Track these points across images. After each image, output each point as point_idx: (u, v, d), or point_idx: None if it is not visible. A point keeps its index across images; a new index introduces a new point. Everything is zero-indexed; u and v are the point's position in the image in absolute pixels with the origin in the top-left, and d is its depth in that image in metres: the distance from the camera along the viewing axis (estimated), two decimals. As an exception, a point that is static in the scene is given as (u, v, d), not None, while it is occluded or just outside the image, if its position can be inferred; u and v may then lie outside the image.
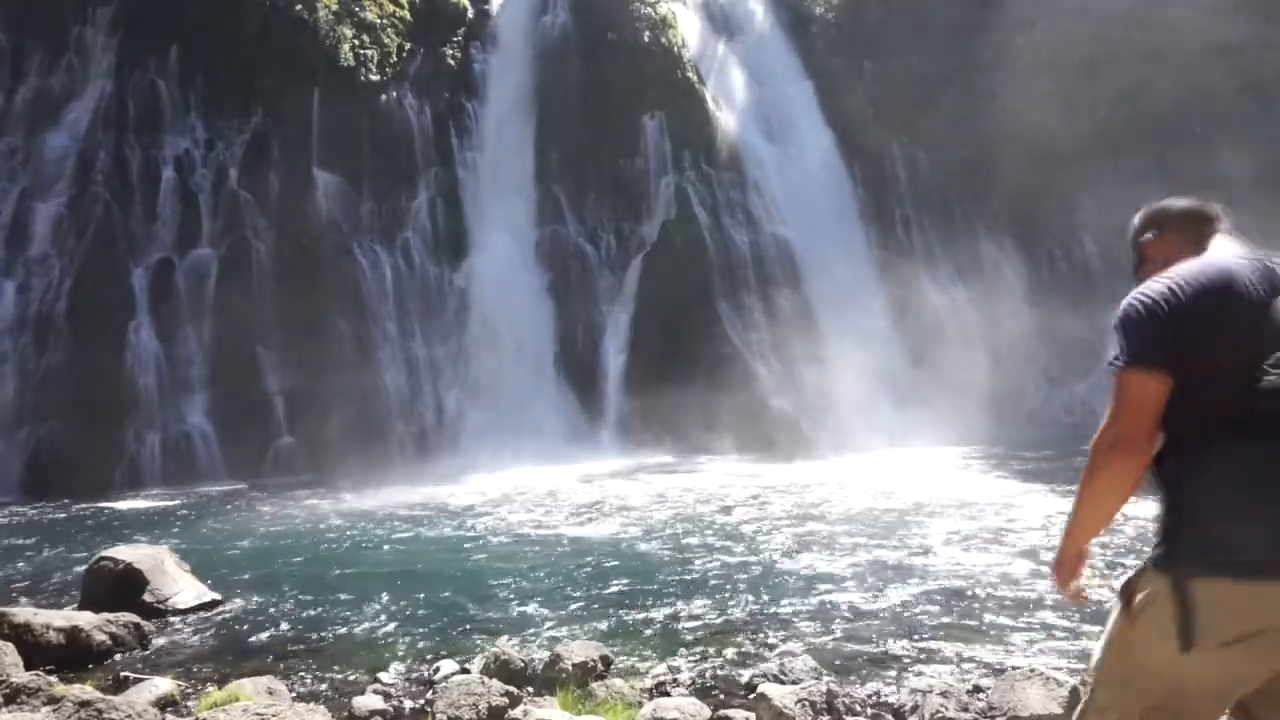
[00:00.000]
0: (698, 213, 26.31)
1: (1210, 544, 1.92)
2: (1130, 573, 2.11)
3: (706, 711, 5.34)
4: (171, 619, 8.19)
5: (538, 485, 17.29)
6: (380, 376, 22.81)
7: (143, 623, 7.66)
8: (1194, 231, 2.33)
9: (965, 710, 5.27)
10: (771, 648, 6.96)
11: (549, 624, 7.88)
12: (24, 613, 7.25)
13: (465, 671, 6.36)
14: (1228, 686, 1.99)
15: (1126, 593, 2.09)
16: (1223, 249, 2.25)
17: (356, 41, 25.65)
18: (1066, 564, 2.29)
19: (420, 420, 23.09)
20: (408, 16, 26.82)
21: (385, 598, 8.92)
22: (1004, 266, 27.55)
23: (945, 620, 7.43)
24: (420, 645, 7.37)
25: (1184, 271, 2.13)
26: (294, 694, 6.13)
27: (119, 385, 20.68)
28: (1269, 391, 1.89)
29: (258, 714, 4.96)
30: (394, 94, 25.95)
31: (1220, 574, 1.90)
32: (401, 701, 6.00)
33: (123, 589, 8.29)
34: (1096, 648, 2.22)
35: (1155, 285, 2.14)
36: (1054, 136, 27.79)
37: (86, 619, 7.33)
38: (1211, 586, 1.90)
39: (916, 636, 6.95)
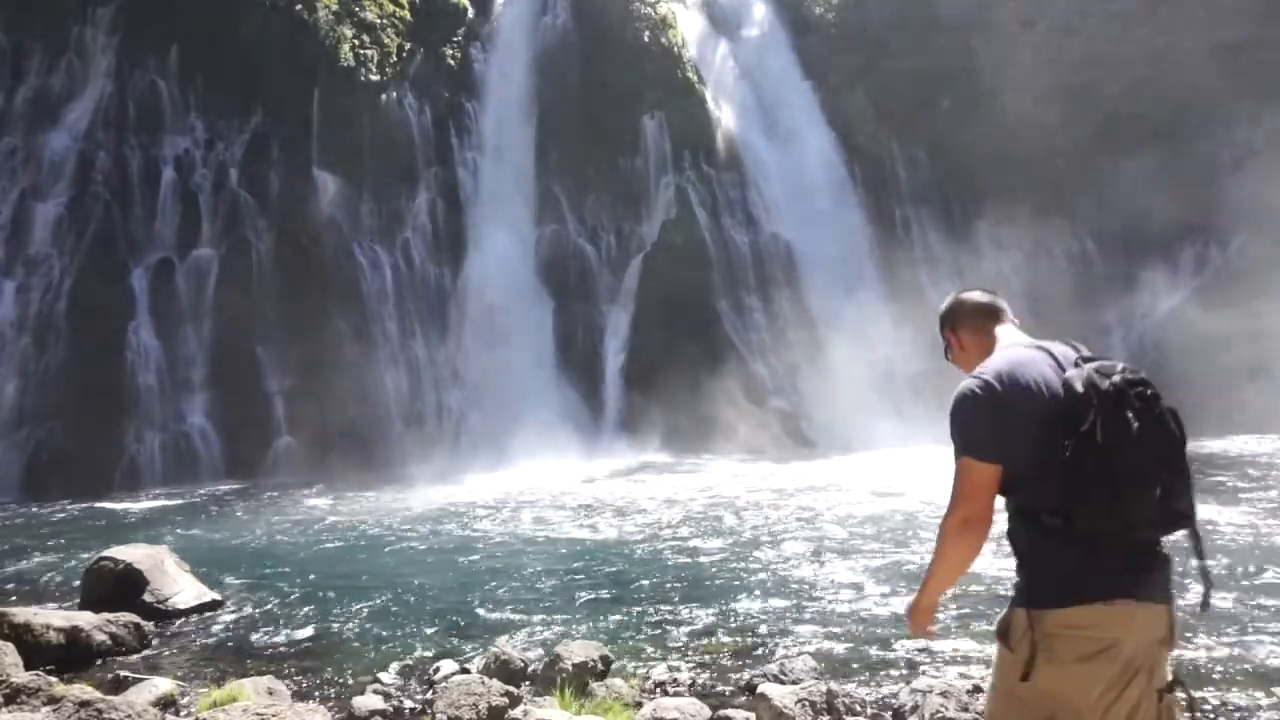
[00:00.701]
0: (698, 213, 26.31)
1: (1054, 585, 2.39)
2: (1001, 614, 2.51)
3: (706, 711, 5.34)
4: (171, 619, 8.19)
5: (537, 485, 17.29)
6: (380, 376, 22.81)
7: (143, 623, 7.66)
8: (984, 323, 2.79)
9: (965, 710, 5.27)
10: (771, 648, 6.96)
11: (549, 624, 7.89)
12: (24, 613, 7.25)
13: (465, 671, 6.36)
14: (1095, 698, 2.38)
15: (1003, 630, 2.49)
16: (1015, 341, 2.69)
17: (356, 41, 25.64)
18: (924, 613, 2.76)
19: (420, 420, 23.08)
20: (408, 16, 26.81)
21: (385, 598, 8.92)
22: (1004, 266, 27.53)
23: (946, 620, 7.43)
24: (420, 645, 7.37)
25: (995, 367, 2.53)
26: (294, 694, 6.13)
27: (119, 385, 20.68)
28: (1071, 465, 2.31)
29: (258, 714, 4.96)
30: (394, 94, 25.94)
31: (1064, 604, 2.36)
32: (401, 701, 6.00)
33: (123, 589, 8.28)
34: (990, 676, 2.65)
35: (975, 382, 2.52)
36: (1054, 136, 27.79)
37: (86, 619, 7.32)
38: (1061, 615, 2.36)
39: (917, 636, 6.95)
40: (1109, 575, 2.35)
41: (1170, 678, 2.47)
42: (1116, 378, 2.36)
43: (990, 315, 2.79)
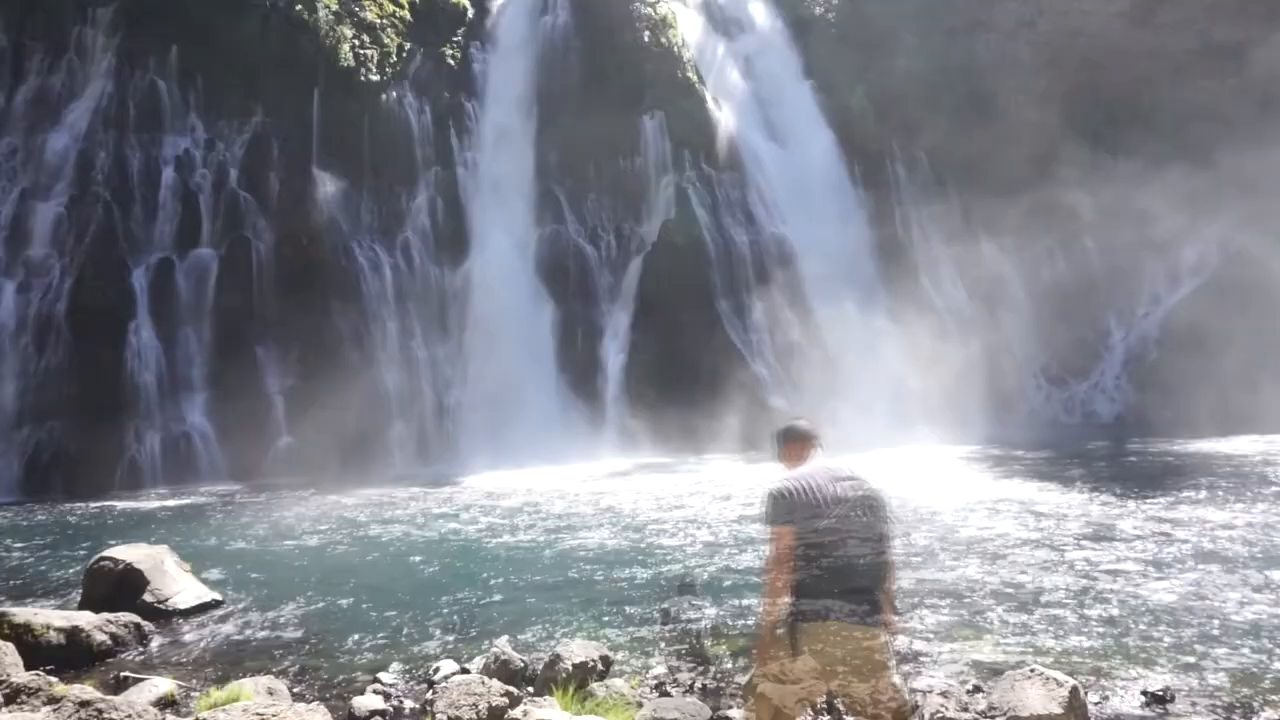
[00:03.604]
0: (698, 213, 26.30)
1: (803, 610, 3.91)
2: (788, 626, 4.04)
3: (706, 711, 5.35)
4: (171, 619, 8.19)
5: (537, 485, 17.29)
6: (380, 376, 22.79)
7: (143, 623, 7.66)
8: (803, 444, 4.26)
9: (965, 710, 5.28)
10: (771, 648, 6.95)
11: (549, 624, 7.89)
12: (24, 613, 7.25)
13: (465, 671, 6.37)
14: (819, 672, 3.93)
15: (789, 634, 4.03)
16: (814, 461, 4.17)
17: (356, 41, 25.65)
18: (769, 618, 4.14)
19: (420, 420, 23.07)
20: (408, 16, 26.82)
21: (385, 598, 8.92)
22: (1004, 266, 27.55)
23: (945, 620, 7.43)
24: (420, 645, 7.37)
25: (793, 475, 4.07)
26: (294, 694, 6.14)
27: (119, 385, 20.68)
28: (818, 539, 3.88)
29: (258, 714, 4.96)
30: (394, 94, 25.94)
31: (808, 621, 3.91)
32: (401, 701, 6.01)
33: (123, 589, 8.29)
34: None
35: (781, 483, 4.04)
36: (1054, 136, 27.81)
37: (86, 619, 7.33)
38: (805, 626, 3.91)
39: (917, 636, 6.96)
40: (836, 606, 3.87)
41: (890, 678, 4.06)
42: (862, 491, 3.99)
43: (807, 441, 4.25)
